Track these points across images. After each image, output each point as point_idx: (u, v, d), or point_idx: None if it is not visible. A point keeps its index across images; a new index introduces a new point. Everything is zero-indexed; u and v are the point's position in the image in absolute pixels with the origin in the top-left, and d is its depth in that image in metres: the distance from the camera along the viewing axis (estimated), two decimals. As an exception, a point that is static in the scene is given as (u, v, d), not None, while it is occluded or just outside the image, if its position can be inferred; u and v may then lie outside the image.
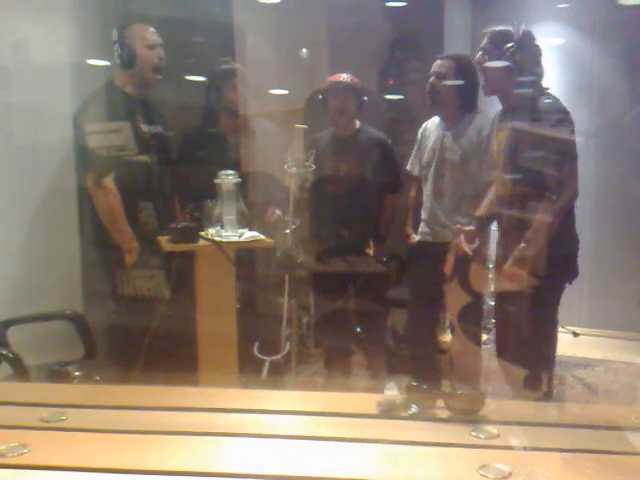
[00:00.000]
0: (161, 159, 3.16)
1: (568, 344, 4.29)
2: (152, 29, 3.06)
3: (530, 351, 2.64)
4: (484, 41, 2.71)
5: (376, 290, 3.41)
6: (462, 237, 2.91)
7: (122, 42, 3.01)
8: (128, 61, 3.00)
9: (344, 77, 3.33)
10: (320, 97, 3.36)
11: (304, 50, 3.80)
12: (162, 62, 3.06)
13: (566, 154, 2.52)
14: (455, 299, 3.06)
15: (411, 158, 3.33)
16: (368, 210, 3.42)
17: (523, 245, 2.56)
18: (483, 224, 2.95)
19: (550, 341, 2.78)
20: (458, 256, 2.94)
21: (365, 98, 3.36)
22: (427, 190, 3.19)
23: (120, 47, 3.00)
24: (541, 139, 2.51)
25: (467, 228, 2.92)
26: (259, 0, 3.55)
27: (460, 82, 3.03)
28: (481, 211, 2.93)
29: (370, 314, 3.45)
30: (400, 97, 4.21)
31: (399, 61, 4.27)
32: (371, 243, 3.54)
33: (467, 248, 2.90)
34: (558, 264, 2.56)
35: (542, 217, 2.52)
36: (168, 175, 3.27)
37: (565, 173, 2.51)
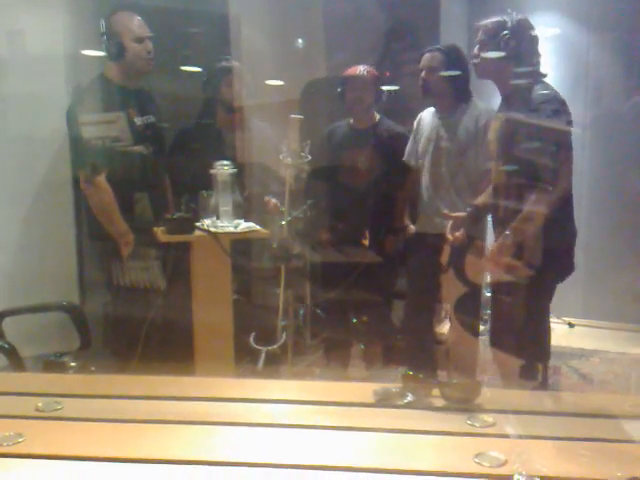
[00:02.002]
0: (156, 150, 3.15)
1: (564, 335, 4.30)
2: (139, 19, 3.02)
3: (521, 343, 2.65)
4: (479, 34, 2.70)
5: (373, 281, 3.42)
6: (449, 224, 2.89)
7: (110, 35, 2.97)
8: (117, 55, 2.98)
9: (361, 69, 3.34)
10: (339, 90, 3.37)
11: (300, 40, 3.79)
12: (151, 54, 3.03)
13: (558, 145, 2.51)
14: (453, 290, 3.06)
15: (407, 149, 3.33)
16: (378, 203, 3.43)
17: (507, 233, 2.56)
18: (479, 213, 2.93)
19: (541, 334, 2.78)
20: (454, 246, 2.94)
21: (383, 89, 3.37)
22: (424, 180, 3.19)
23: (108, 40, 2.97)
24: (533, 129, 2.51)
25: (455, 214, 2.90)
26: (254, -10, 3.54)
27: (452, 73, 3.03)
28: (479, 200, 2.91)
29: (367, 305, 3.46)
30: (396, 88, 4.20)
31: (395, 52, 4.25)
32: (367, 234, 3.55)
33: (451, 235, 2.86)
34: (551, 259, 2.56)
35: (531, 207, 2.51)
36: (163, 166, 3.26)
37: (558, 164, 2.51)
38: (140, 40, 2.99)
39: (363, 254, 3.46)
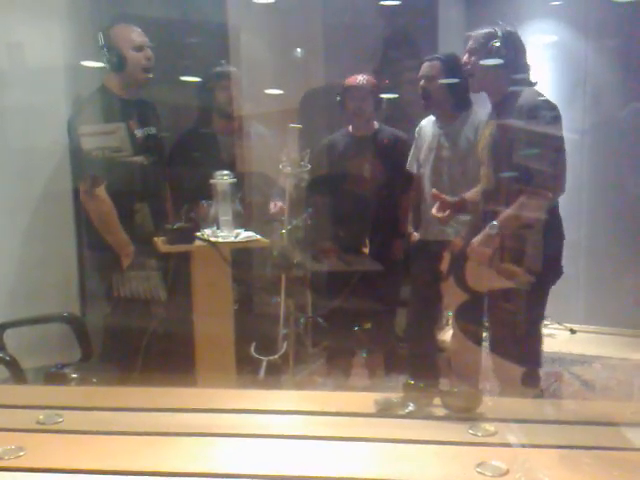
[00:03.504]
0: (156, 160, 3.16)
1: (565, 341, 4.30)
2: (138, 29, 3.03)
3: (514, 348, 2.66)
4: (469, 43, 2.74)
5: (378, 289, 3.43)
6: (437, 205, 2.85)
7: (109, 45, 2.98)
8: (117, 64, 2.99)
9: (361, 79, 3.37)
10: (338, 98, 3.40)
11: (298, 50, 3.80)
12: (151, 62, 3.04)
13: (550, 149, 2.53)
14: (457, 297, 3.06)
15: (409, 157, 3.35)
16: (386, 209, 3.44)
17: (495, 223, 2.57)
18: (464, 206, 2.89)
19: (533, 340, 2.79)
20: (455, 254, 2.95)
21: (382, 98, 3.40)
22: (426, 189, 3.20)
23: (108, 50, 2.99)
24: (524, 134, 2.53)
25: (443, 196, 2.85)
26: (253, 0, 3.55)
27: (451, 81, 3.04)
28: (467, 194, 2.89)
29: (368, 313, 3.46)
30: (395, 96, 4.21)
31: (394, 60, 4.27)
32: (367, 242, 3.56)
33: (438, 213, 2.83)
34: (543, 263, 2.57)
35: (519, 208, 2.53)
36: (163, 176, 3.26)
37: (553, 169, 2.52)
38: (139, 48, 3.01)
39: (364, 262, 3.46)
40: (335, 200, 3.43)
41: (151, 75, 3.06)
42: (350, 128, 3.48)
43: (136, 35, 3.02)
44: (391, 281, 3.50)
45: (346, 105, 3.40)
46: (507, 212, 2.58)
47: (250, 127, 3.47)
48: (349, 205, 3.40)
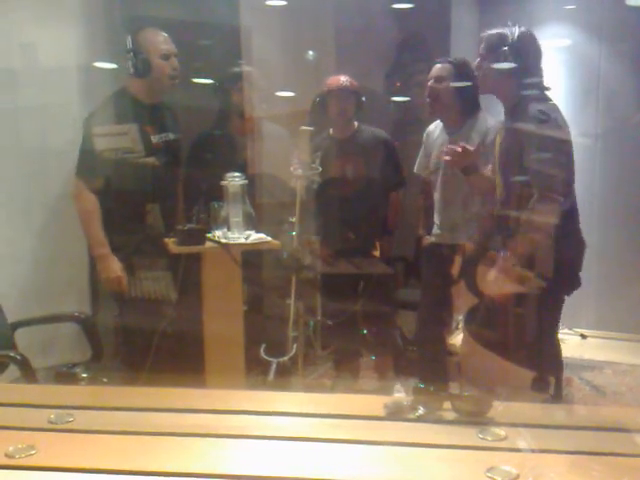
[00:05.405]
0: (169, 161, 3.16)
1: (576, 346, 4.28)
2: (165, 36, 3.01)
3: (531, 356, 2.64)
4: (481, 46, 2.70)
5: (382, 292, 3.42)
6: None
7: (137, 51, 2.97)
8: (142, 71, 2.98)
9: (343, 80, 3.35)
10: (318, 100, 3.38)
11: (311, 52, 3.81)
12: (177, 71, 3.05)
13: (555, 154, 2.50)
14: (467, 301, 3.06)
15: (417, 160, 3.34)
16: (373, 211, 3.44)
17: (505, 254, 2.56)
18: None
19: (551, 348, 2.77)
20: (466, 258, 2.94)
21: (363, 99, 3.39)
22: (437, 194, 3.20)
23: (135, 56, 2.97)
24: (529, 141, 2.51)
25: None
26: (266, 2, 3.56)
27: (460, 84, 3.03)
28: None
29: (377, 316, 3.46)
30: (407, 99, 4.21)
31: (406, 63, 4.27)
32: (377, 244, 3.55)
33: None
34: (557, 272, 2.55)
35: (537, 217, 2.51)
36: (175, 177, 3.27)
37: (560, 174, 2.50)
38: (166, 57, 3.00)
39: (360, 265, 3.45)
40: (323, 204, 3.39)
41: (177, 81, 3.05)
42: (331, 130, 3.47)
43: (164, 43, 3.00)
44: (383, 283, 3.48)
45: (328, 107, 3.38)
46: (516, 238, 2.54)
47: (263, 126, 3.47)
48: (337, 207, 3.39)
